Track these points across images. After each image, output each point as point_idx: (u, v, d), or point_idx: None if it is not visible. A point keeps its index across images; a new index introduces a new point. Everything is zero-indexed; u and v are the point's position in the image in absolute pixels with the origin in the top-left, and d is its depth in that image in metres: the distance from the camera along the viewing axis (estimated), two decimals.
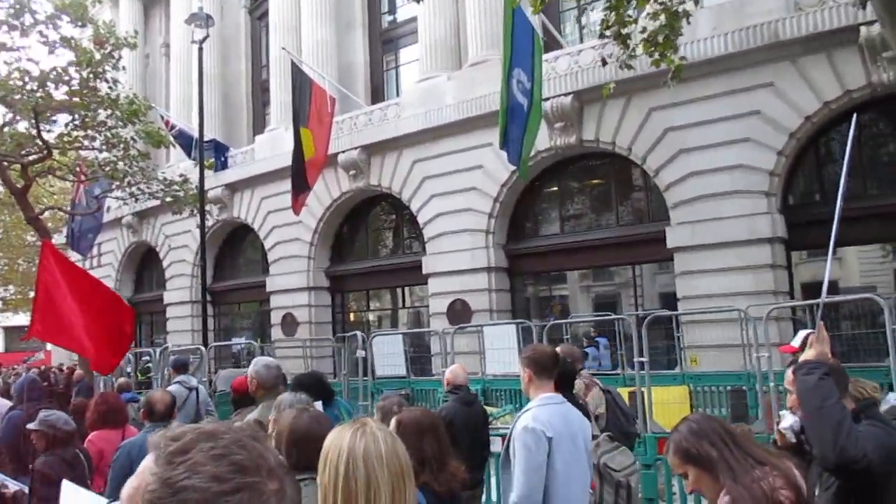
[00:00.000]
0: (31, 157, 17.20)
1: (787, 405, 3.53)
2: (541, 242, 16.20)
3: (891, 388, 9.82)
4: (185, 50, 24.84)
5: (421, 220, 17.21)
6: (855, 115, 5.82)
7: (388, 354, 13.57)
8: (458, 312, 16.18)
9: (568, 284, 17.00)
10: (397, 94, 19.41)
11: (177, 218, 22.90)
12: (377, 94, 20.23)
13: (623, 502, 4.52)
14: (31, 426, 5.34)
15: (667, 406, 9.54)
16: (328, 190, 18.87)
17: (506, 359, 11.64)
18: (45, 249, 6.65)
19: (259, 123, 23.84)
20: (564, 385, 4.82)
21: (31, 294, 43.43)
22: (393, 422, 3.50)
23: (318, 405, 4.28)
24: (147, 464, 1.00)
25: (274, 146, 20.55)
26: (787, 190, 13.39)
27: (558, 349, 5.13)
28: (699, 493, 2.56)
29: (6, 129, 16.67)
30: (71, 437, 5.28)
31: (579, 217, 16.07)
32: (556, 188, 16.27)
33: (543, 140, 14.90)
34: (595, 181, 16.05)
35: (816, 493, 2.97)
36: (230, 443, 0.99)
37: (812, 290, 13.44)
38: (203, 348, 11.67)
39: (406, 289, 19.11)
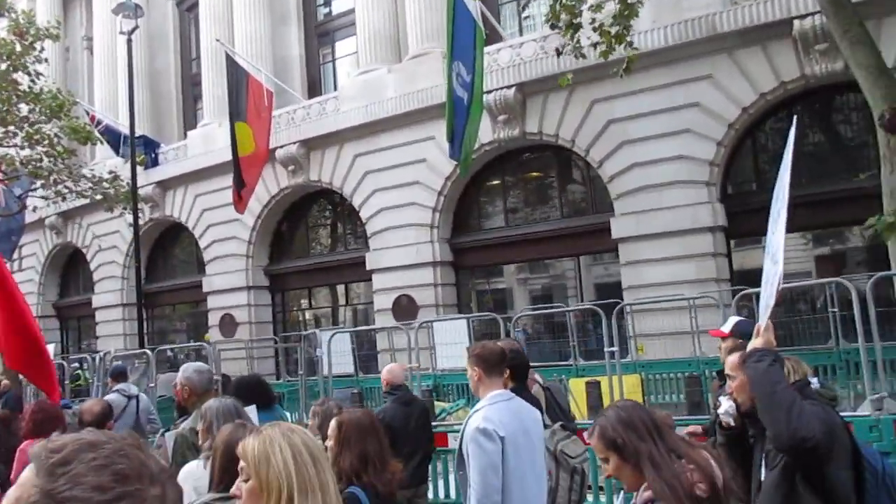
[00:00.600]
0: None
1: (727, 390, 3.60)
2: (485, 236, 16.18)
3: (834, 371, 10.19)
4: (109, 43, 23.83)
5: (364, 215, 16.95)
6: (795, 117, 5.89)
7: (337, 353, 13.27)
8: (404, 308, 16.00)
9: (504, 277, 16.99)
10: (335, 88, 19.07)
11: (104, 218, 22.02)
12: (314, 88, 19.83)
13: (577, 487, 4.60)
14: None
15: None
16: (266, 186, 18.40)
17: (456, 353, 11.53)
18: None
19: (190, 119, 23.06)
20: (520, 378, 4.86)
21: None
22: (333, 423, 3.49)
23: (252, 410, 4.17)
24: (28, 475, 1.00)
25: (207, 142, 19.93)
26: (725, 179, 13.70)
27: (500, 344, 4.87)
28: (617, 479, 2.57)
29: None
30: None
31: (523, 210, 16.11)
32: (499, 181, 16.27)
33: (486, 133, 14.87)
34: (538, 174, 16.12)
35: (762, 473, 3.11)
36: (111, 452, 1.00)
37: (747, 277, 13.82)
38: (150, 352, 11.12)
39: (348, 286, 18.81)
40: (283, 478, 2.01)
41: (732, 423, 3.54)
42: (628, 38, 10.23)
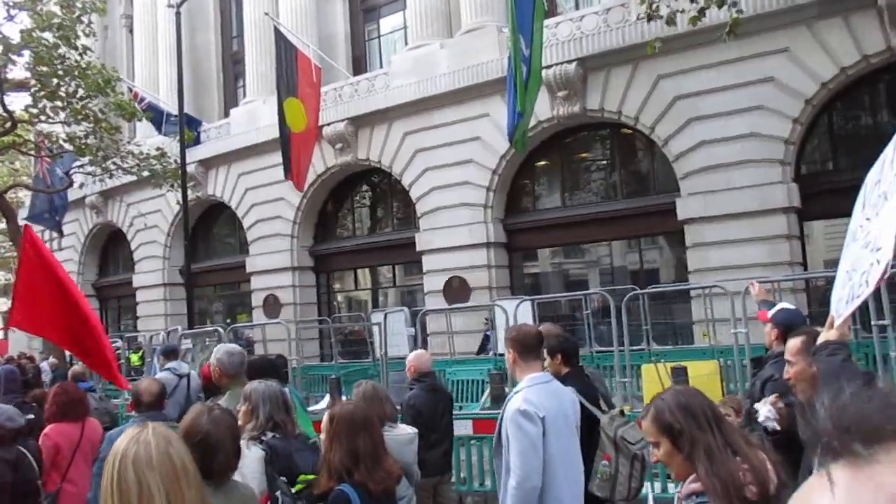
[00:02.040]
0: None
1: (785, 375, 3.48)
2: (540, 217, 15.68)
3: None
4: (150, 20, 23.61)
5: (414, 194, 16.53)
6: None
7: (394, 335, 12.92)
8: (456, 290, 15.61)
9: (558, 259, 16.49)
10: (380, 66, 18.63)
11: (145, 197, 21.93)
12: (359, 66, 19.38)
13: (637, 473, 4.56)
14: None
15: (697, 380, 9.14)
16: (312, 165, 18.01)
17: None
18: (25, 234, 5.85)
19: (230, 97, 22.75)
20: (572, 362, 4.90)
21: None
22: (325, 416, 3.41)
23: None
24: None
25: (251, 120, 19.60)
26: (799, 158, 13.08)
27: (541, 328, 5.02)
28: (666, 466, 2.47)
29: None
30: (15, 435, 4.82)
31: (582, 189, 15.59)
32: (557, 159, 15.73)
33: (544, 110, 14.38)
34: (598, 152, 15.58)
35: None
36: None
37: (819, 261, 13.24)
38: (221, 329, 10.83)
39: (395, 267, 18.43)
40: (107, 488, 2.03)
41: (778, 427, 3.51)
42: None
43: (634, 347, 11.17)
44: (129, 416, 4.85)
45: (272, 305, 18.93)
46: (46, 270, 5.52)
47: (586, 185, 15.57)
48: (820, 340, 2.95)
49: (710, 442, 2.27)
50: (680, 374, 8.52)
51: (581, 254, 16.01)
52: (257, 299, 19.47)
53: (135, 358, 17.82)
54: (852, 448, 0.71)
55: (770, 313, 4.95)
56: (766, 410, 3.60)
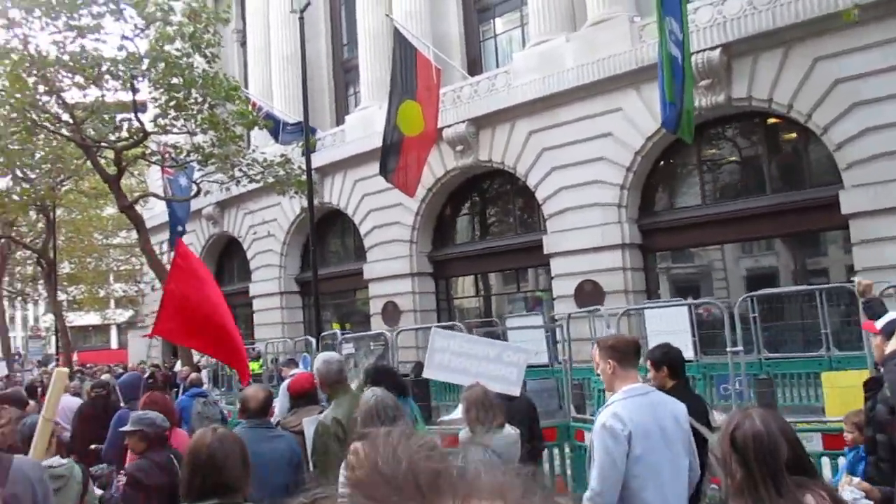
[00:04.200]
0: (125, 143, 16.36)
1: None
2: (679, 216, 14.75)
3: None
4: (262, 33, 23.94)
5: (540, 195, 15.89)
6: None
7: (529, 341, 12.25)
8: (588, 294, 14.84)
9: (697, 261, 15.48)
10: (496, 66, 18.12)
11: (261, 206, 22.12)
12: (474, 66, 18.92)
13: None
14: (126, 428, 4.91)
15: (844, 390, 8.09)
16: (431, 169, 17.65)
17: (679, 343, 10.26)
18: (178, 246, 6.05)
19: (342, 105, 22.75)
20: (678, 372, 4.76)
21: (103, 293, 43.26)
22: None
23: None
24: None
25: (366, 126, 19.41)
26: None
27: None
28: None
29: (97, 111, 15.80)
30: (167, 438, 5.01)
31: (725, 185, 14.58)
32: (697, 153, 14.78)
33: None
34: (743, 143, 14.53)
35: None
36: None
37: None
38: (388, 334, 10.58)
39: (520, 272, 17.81)
40: None
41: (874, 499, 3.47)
42: None
43: (811, 354, 10.23)
44: (239, 423, 5.01)
45: (391, 312, 18.62)
46: (197, 280, 5.66)
47: (730, 181, 14.55)
48: (889, 350, 2.89)
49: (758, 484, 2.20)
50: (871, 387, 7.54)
51: (725, 253, 14.94)
52: (376, 306, 19.22)
53: (255, 366, 17.89)
54: None
55: (880, 323, 4.14)
56: (849, 494, 3.49)
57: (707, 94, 13.45)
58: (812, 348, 10.41)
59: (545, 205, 15.80)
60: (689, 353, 10.83)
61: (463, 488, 0.55)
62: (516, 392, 6.27)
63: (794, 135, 13.59)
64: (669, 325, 10.83)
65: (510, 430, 4.91)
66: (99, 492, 5.07)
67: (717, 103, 13.41)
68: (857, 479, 3.63)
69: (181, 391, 14.72)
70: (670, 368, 4.71)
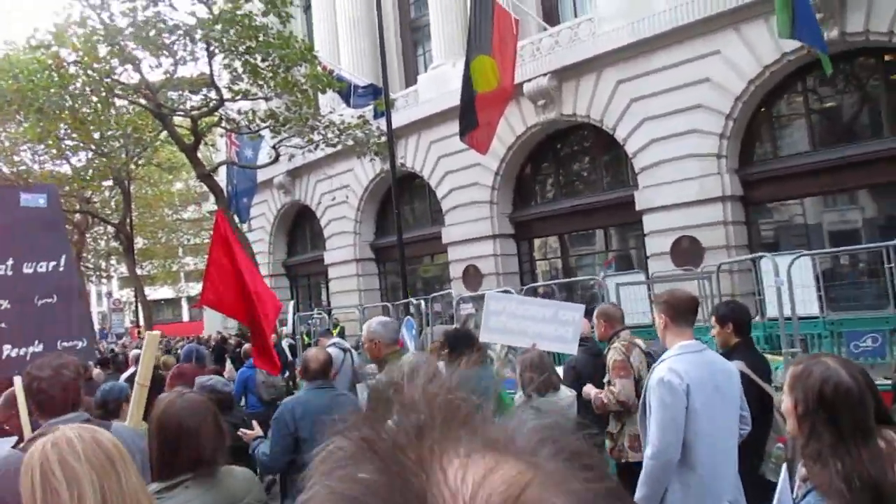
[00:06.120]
0: (201, 110, 16.15)
1: None
2: (783, 164, 13.77)
3: None
4: None
5: (630, 148, 15.08)
6: None
7: (632, 301, 11.61)
8: (685, 251, 14.09)
9: (803, 213, 14.45)
10: (574, 15, 17.24)
11: (333, 173, 21.80)
12: (550, 17, 18.03)
13: None
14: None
15: None
16: (510, 126, 16.98)
17: (804, 297, 9.49)
18: (218, 218, 6.07)
19: (411, 66, 22.12)
20: (743, 330, 4.71)
21: (175, 267, 44.12)
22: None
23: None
24: None
25: (439, 85, 18.78)
26: None
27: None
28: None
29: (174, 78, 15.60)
30: (232, 401, 5.23)
31: (836, 130, 13.52)
32: (803, 96, 13.75)
33: (788, 41, 12.42)
34: (858, 83, 13.39)
35: None
36: None
37: None
38: (512, 290, 10.28)
39: (608, 230, 17.06)
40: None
41: None
42: None
43: None
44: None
45: (472, 276, 18.15)
46: (233, 254, 5.70)
47: (842, 125, 13.48)
48: None
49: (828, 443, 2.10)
50: None
51: (836, 203, 13.93)
52: (455, 271, 18.77)
53: (334, 333, 17.74)
54: None
55: None
56: None
57: (827, 27, 12.37)
58: None
59: (636, 158, 15.00)
60: (814, 309, 10.11)
61: (467, 433, 0.51)
62: (573, 351, 6.29)
63: None
64: (798, 279, 10.04)
65: (566, 393, 5.09)
66: None
67: (831, 39, 12.32)
68: None
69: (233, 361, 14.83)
70: (735, 325, 4.66)
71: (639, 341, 5.62)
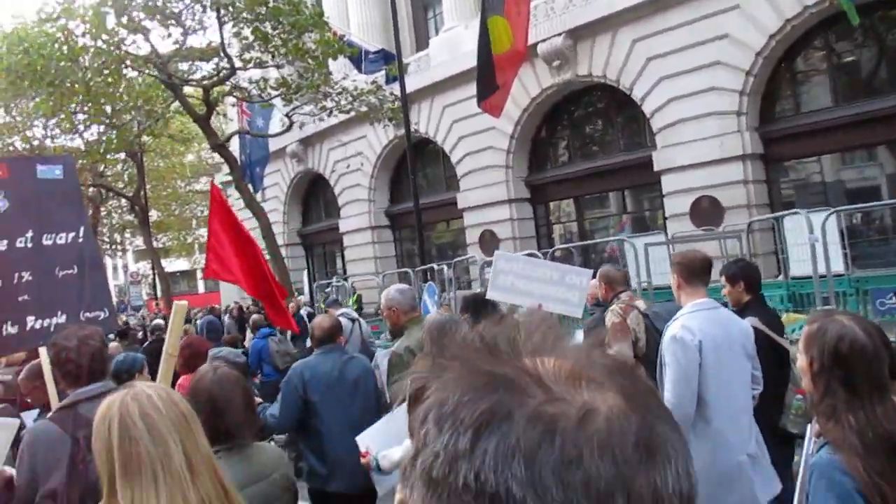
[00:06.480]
0: (212, 79, 16.02)
1: None
2: (804, 121, 13.55)
3: None
4: None
5: (647, 108, 14.87)
6: None
7: (655, 262, 11.52)
8: (705, 211, 13.96)
9: (823, 171, 14.24)
10: None
11: (347, 140, 21.67)
12: None
13: None
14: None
15: None
16: (525, 88, 16.77)
17: (831, 255, 9.37)
18: (213, 191, 6.09)
19: (421, 30, 21.84)
20: (754, 288, 4.79)
21: (190, 239, 44.25)
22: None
23: None
24: None
25: (452, 48, 18.55)
26: None
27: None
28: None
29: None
30: (246, 372, 5.28)
31: (855, 85, 13.25)
32: (823, 53, 13.47)
33: None
34: (884, 35, 13.09)
35: None
36: None
37: None
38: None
39: (625, 192, 16.91)
40: (103, 456, 1.83)
41: None
42: None
43: None
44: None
45: (489, 241, 18.09)
46: (233, 224, 5.75)
47: (863, 80, 13.21)
48: None
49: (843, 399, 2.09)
50: None
51: (854, 160, 13.73)
52: (472, 236, 18.72)
53: (351, 301, 17.80)
54: None
55: None
56: None
57: None
58: None
59: (653, 118, 14.80)
60: (839, 266, 9.98)
61: (531, 346, 0.63)
62: (578, 314, 6.31)
63: None
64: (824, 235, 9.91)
65: None
66: None
67: None
68: None
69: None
70: (746, 283, 4.73)
71: (639, 302, 5.58)
